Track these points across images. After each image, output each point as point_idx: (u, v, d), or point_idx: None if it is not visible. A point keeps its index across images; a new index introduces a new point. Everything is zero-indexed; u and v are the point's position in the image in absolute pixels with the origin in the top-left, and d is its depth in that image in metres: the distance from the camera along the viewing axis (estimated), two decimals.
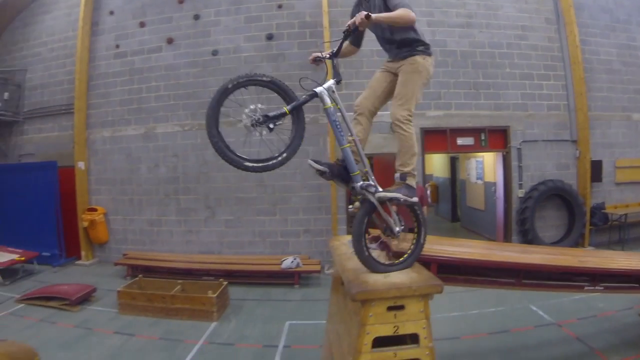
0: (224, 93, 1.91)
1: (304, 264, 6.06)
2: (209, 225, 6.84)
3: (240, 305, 5.16)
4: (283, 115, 1.96)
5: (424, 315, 2.03)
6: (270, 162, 1.97)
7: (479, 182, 8.52)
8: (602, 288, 3.06)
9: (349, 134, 2.19)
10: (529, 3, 7.09)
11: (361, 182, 2.14)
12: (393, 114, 2.29)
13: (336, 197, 6.45)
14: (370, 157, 7.13)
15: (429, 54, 2.39)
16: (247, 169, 1.91)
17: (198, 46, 6.94)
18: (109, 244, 7.41)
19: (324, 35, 6.59)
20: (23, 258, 6.64)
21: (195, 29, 6.99)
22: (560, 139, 7.14)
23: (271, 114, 1.92)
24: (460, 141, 7.02)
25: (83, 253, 7.39)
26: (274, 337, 4.23)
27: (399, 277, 2.14)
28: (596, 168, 7.07)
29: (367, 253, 2.12)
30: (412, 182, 2.32)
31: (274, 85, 2.03)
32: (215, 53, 6.86)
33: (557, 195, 7.10)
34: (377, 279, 2.09)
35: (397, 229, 2.24)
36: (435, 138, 6.92)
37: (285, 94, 2.04)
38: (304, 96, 2.04)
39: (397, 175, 2.34)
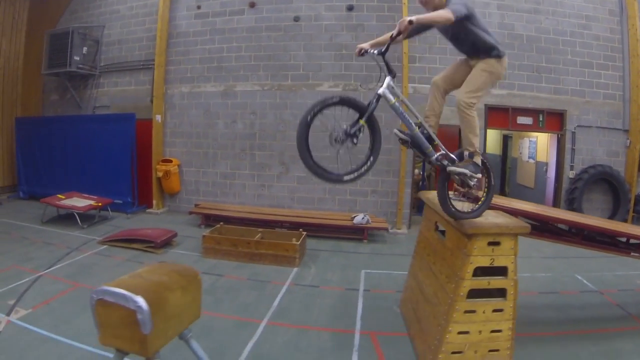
0: (306, 126, 2.17)
1: (372, 222, 6.72)
2: (281, 180, 7.50)
3: (316, 255, 5.68)
4: (361, 127, 2.24)
5: (513, 252, 2.70)
6: (363, 169, 2.31)
7: (531, 161, 9.20)
8: None
9: (416, 118, 2.58)
10: None
11: (436, 155, 2.57)
12: (459, 98, 2.63)
13: (405, 161, 7.12)
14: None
15: (501, 56, 2.68)
16: (345, 181, 2.28)
17: (280, 12, 7.56)
18: (180, 194, 8.08)
19: (402, 10, 7.21)
20: (100, 204, 7.18)
21: None
22: (613, 127, 7.79)
23: (350, 129, 2.20)
24: (520, 120, 7.67)
25: (154, 202, 8.03)
26: (353, 282, 4.71)
27: (497, 219, 2.80)
28: None
29: (453, 209, 2.65)
30: (477, 159, 2.71)
31: (344, 103, 2.28)
32: (297, 19, 7.49)
33: (605, 180, 7.74)
34: (481, 220, 2.74)
35: (472, 182, 2.66)
36: (498, 115, 7.58)
37: (356, 106, 2.30)
38: (372, 103, 2.29)
39: (465, 153, 2.72)
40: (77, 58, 8.20)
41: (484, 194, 2.81)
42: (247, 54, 7.62)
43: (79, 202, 7.19)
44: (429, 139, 2.59)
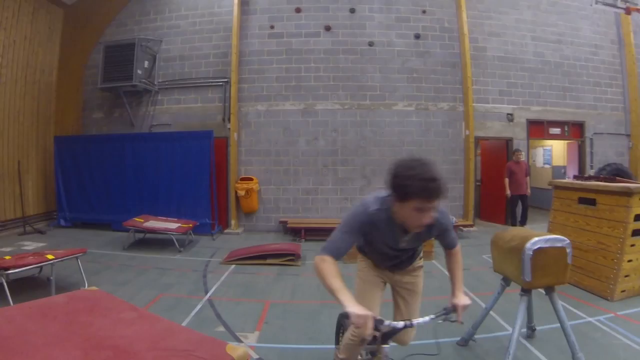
0: None
1: (457, 220, 9.38)
2: (363, 193, 9.74)
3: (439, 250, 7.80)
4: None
5: None
6: None
7: (547, 166, 12.70)
8: None
9: None
10: (600, 26, 11.54)
11: None
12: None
13: (472, 169, 10.01)
14: (485, 139, 10.62)
15: None
16: None
17: (355, 36, 10.01)
18: (257, 213, 9.95)
19: (459, 39, 10.10)
20: (191, 225, 8.30)
21: (352, 21, 10.04)
22: (619, 133, 11.60)
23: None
24: (551, 131, 11.09)
25: (233, 222, 9.81)
26: (487, 263, 6.84)
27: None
28: None
29: None
30: None
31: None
32: (371, 44, 9.99)
33: (616, 175, 11.42)
34: (635, 185, 5.59)
35: None
36: (536, 127, 10.95)
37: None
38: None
39: None
40: (139, 72, 9.57)
41: None
42: (325, 75, 9.89)
43: (166, 224, 8.33)
44: None
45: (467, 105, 10.12)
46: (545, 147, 12.87)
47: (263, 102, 9.94)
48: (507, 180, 9.71)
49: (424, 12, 10.30)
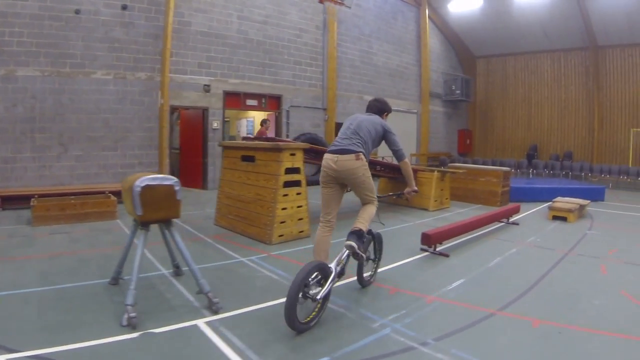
0: None
1: None
2: (61, 160, 15.38)
3: (121, 209, 10.40)
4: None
5: (302, 159, 13.67)
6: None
7: (250, 136, 21.33)
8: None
9: None
10: (307, 13, 18.97)
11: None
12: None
13: (166, 137, 17.43)
14: (181, 108, 18.88)
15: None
16: None
17: (63, 3, 15.03)
18: None
19: (165, 13, 16.87)
20: None
21: None
22: (315, 107, 19.93)
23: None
24: (248, 102, 18.41)
25: None
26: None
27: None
28: (338, 128, 20.22)
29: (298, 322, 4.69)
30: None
31: None
32: (77, 12, 15.11)
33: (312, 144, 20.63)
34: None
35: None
36: (233, 99, 18.02)
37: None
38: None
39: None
40: None
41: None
42: (29, 40, 14.90)
43: None
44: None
45: (164, 75, 16.34)
46: (248, 119, 20.62)
47: None
48: None
49: None
